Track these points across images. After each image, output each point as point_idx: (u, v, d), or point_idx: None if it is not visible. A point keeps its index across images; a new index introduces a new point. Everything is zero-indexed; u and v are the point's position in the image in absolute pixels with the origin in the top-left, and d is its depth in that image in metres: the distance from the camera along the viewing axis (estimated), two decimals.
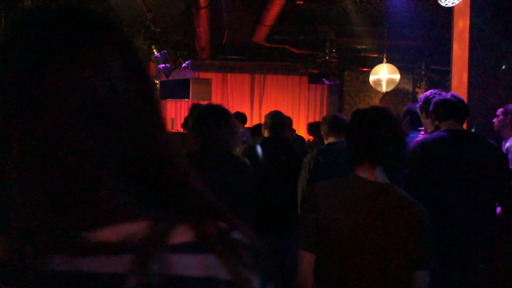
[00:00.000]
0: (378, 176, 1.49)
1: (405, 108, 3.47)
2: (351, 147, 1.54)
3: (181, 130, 4.98)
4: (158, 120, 0.54)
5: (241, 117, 5.10)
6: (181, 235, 0.46)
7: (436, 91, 2.73)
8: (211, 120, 2.14)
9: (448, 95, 2.44)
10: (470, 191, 2.26)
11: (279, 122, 3.30)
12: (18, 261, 0.43)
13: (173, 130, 6.83)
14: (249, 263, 0.47)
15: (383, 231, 1.41)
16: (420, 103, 2.80)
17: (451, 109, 2.40)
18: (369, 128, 1.49)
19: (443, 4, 3.57)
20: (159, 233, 0.45)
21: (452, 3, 3.50)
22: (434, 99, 2.50)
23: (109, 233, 0.45)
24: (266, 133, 3.32)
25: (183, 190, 0.51)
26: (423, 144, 2.37)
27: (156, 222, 0.46)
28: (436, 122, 2.47)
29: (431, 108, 2.50)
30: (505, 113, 3.45)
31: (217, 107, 2.25)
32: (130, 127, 0.50)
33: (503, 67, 3.69)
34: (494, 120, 3.57)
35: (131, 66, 0.52)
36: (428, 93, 2.76)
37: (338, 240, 1.45)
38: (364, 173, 1.50)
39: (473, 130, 3.71)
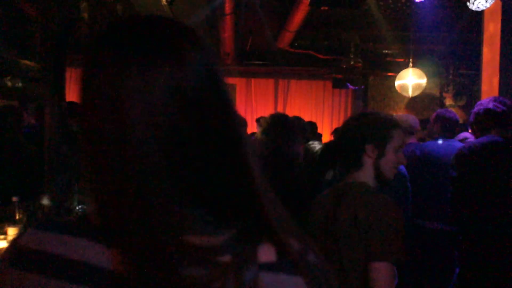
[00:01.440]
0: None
1: (435, 114, 3.40)
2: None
3: None
4: (236, 127, 0.53)
5: None
6: (266, 254, 0.46)
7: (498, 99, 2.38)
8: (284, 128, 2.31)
9: (490, 105, 2.35)
10: None
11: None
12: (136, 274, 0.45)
13: None
14: (326, 285, 0.48)
15: (342, 222, 1.48)
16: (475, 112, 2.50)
17: (493, 119, 2.32)
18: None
19: (473, 8, 3.49)
20: (247, 250, 0.46)
21: (485, 6, 3.41)
22: (474, 109, 2.40)
23: (200, 241, 0.46)
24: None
25: (261, 206, 0.50)
26: (471, 147, 2.33)
27: (241, 238, 0.47)
28: (478, 134, 2.40)
29: (471, 119, 2.42)
30: None
31: (287, 117, 2.46)
32: (215, 140, 0.50)
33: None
34: None
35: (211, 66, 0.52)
36: (487, 101, 2.42)
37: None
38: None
39: None
